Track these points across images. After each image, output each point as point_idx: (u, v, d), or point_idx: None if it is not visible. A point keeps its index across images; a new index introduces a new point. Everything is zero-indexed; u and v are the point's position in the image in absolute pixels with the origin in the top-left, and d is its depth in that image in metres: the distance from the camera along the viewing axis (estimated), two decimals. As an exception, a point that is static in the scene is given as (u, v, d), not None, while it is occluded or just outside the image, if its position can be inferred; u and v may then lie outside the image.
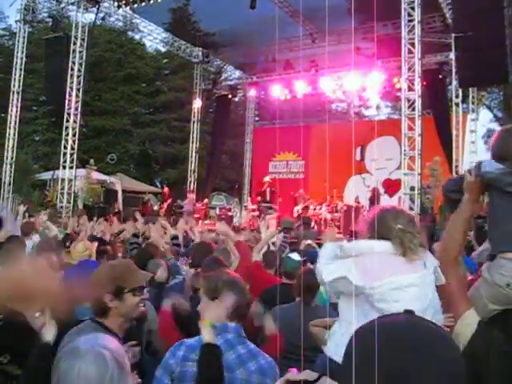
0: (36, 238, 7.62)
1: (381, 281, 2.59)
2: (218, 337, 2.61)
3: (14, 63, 20.35)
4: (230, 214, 21.06)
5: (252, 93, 26.11)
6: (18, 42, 20.43)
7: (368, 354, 0.99)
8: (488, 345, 2.30)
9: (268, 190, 20.20)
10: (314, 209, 18.86)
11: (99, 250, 5.97)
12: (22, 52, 20.34)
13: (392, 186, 20.20)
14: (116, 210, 19.99)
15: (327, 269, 2.82)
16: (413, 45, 13.65)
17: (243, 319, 2.85)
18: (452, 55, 16.65)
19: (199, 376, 2.39)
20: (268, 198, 19.86)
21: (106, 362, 1.78)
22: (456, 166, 17.56)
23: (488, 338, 2.37)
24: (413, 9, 13.52)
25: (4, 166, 19.73)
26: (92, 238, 6.90)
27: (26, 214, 10.71)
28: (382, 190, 19.77)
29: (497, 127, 33.99)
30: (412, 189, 13.73)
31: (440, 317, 2.70)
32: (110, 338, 2.01)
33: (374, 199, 16.88)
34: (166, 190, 23.65)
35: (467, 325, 2.38)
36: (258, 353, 2.69)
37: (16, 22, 21.07)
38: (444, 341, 1.06)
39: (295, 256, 5.56)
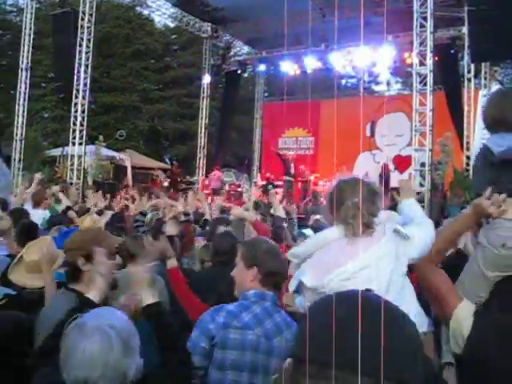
0: (45, 212, 7.63)
1: (330, 274, 2.40)
2: (255, 305, 2.65)
3: (22, 40, 20.23)
4: (239, 190, 21.05)
5: (261, 68, 25.89)
6: (26, 18, 20.28)
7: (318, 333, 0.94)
8: (491, 336, 2.17)
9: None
10: (324, 184, 18.85)
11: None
12: (30, 28, 20.20)
13: (402, 163, 20.09)
14: (125, 185, 20.03)
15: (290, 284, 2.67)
16: (425, 19, 13.45)
17: (280, 288, 2.87)
18: (465, 29, 16.41)
19: (157, 337, 2.35)
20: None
21: (111, 342, 1.78)
22: (467, 143, 17.38)
23: (490, 328, 2.23)
24: (425, -18, 13.31)
25: (14, 143, 19.76)
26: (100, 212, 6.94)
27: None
28: (392, 167, 19.66)
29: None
30: (422, 165, 13.63)
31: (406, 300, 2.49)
32: (118, 314, 1.99)
33: (383, 175, 16.83)
34: (174, 167, 23.56)
35: (463, 319, 2.28)
36: (291, 322, 2.72)
37: (23, -3, 20.95)
38: (398, 318, 1.01)
39: (308, 231, 5.54)
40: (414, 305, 2.51)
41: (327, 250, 2.53)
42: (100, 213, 7.25)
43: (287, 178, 18.32)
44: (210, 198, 18.04)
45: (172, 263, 3.74)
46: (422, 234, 2.64)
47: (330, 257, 2.49)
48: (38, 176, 9.23)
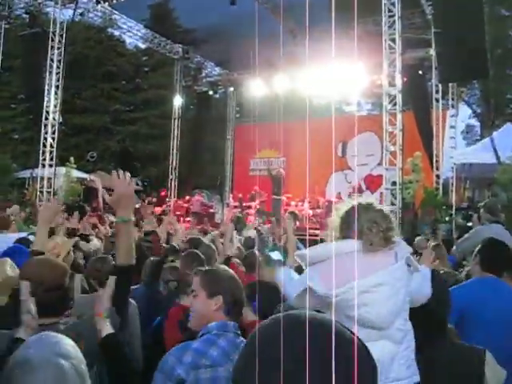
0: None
1: (344, 286, 2.44)
2: (220, 338, 2.50)
3: (-10, 60, 20.06)
4: (211, 211, 21.01)
5: (232, 89, 26.04)
6: (-5, 38, 20.14)
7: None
8: None
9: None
10: (296, 205, 18.92)
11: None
12: (-1, 49, 20.06)
13: (374, 182, 20.30)
14: (94, 206, 19.85)
15: (291, 285, 2.71)
16: (393, 40, 13.69)
17: (239, 316, 2.75)
18: (432, 51, 16.76)
19: (109, 370, 2.29)
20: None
21: (65, 375, 1.49)
22: (436, 161, 17.66)
23: None
24: (393, 4, 13.55)
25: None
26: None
27: None
28: (363, 186, 19.85)
29: (476, 123, 34.41)
30: (393, 184, 13.77)
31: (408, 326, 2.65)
32: (65, 340, 1.65)
33: (355, 195, 16.97)
34: (163, 193, 23.29)
35: None
36: None
37: (-9, 17, 20.77)
38: (346, 345, 0.94)
39: (275, 255, 5.46)
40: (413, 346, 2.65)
41: (341, 260, 2.50)
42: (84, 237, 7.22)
43: (275, 197, 18.08)
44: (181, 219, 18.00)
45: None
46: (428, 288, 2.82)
47: (346, 268, 2.48)
48: (17, 208, 9.13)
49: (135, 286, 5.01)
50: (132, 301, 4.35)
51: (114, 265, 2.40)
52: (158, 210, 20.87)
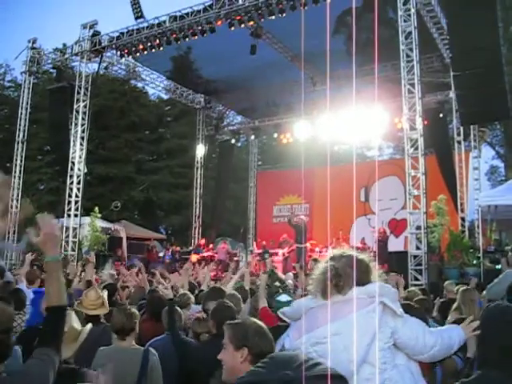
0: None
1: (301, 338, 2.49)
2: None
3: (19, 114, 20.64)
4: (235, 258, 20.93)
5: (254, 137, 26.31)
6: (23, 92, 20.77)
7: None
8: None
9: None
10: (320, 251, 18.76)
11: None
12: (27, 103, 20.66)
13: (398, 226, 20.13)
14: (120, 256, 19.93)
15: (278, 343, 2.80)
16: (413, 85, 13.75)
17: None
18: (452, 94, 16.81)
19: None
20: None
21: None
22: (461, 204, 17.48)
23: None
24: (411, 50, 13.66)
25: (9, 215, 19.71)
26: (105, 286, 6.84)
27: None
28: (388, 231, 19.67)
29: (499, 163, 34.15)
30: (418, 228, 13.60)
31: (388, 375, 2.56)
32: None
33: (381, 240, 16.82)
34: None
35: None
36: None
37: (21, 73, 21.50)
38: None
39: (283, 297, 5.46)
40: None
41: (311, 313, 2.61)
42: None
43: (298, 245, 17.91)
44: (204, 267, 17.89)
45: None
46: (430, 335, 2.77)
47: (307, 321, 2.57)
48: (28, 257, 9.16)
49: (159, 337, 4.96)
50: (154, 352, 4.33)
51: (46, 306, 2.42)
52: (195, 258, 20.92)
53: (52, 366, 2.27)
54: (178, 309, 5.21)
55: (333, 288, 2.63)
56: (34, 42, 20.60)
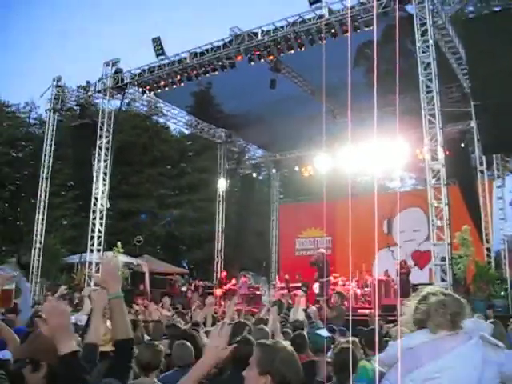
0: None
1: (411, 374, 2.45)
2: None
3: (44, 150, 21.01)
4: (258, 292, 20.79)
5: (275, 170, 26.39)
6: (48, 129, 21.17)
7: None
8: None
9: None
10: (344, 284, 18.55)
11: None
12: (51, 139, 21.04)
13: (422, 258, 19.88)
14: (143, 291, 19.90)
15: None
16: (433, 115, 13.72)
17: None
18: (473, 123, 16.74)
19: None
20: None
21: None
22: (486, 234, 17.24)
23: None
24: (430, 80, 13.68)
25: (32, 250, 19.94)
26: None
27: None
28: (411, 263, 19.41)
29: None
30: (443, 259, 13.40)
31: None
32: None
33: (402, 273, 16.58)
34: (223, 274, 23.23)
35: None
36: None
37: (46, 110, 21.95)
38: None
39: (323, 332, 5.36)
40: None
41: (412, 352, 2.54)
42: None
43: (321, 279, 17.65)
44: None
45: None
46: None
47: (413, 357, 2.50)
48: (62, 288, 9.25)
49: (170, 371, 4.90)
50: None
51: (115, 340, 2.47)
52: (219, 291, 20.93)
53: None
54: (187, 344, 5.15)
55: (448, 323, 2.60)
56: (58, 80, 21.06)
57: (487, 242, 17.28)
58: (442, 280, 13.15)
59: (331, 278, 18.19)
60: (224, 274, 22.99)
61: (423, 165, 15.47)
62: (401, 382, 2.46)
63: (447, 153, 14.77)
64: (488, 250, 17.21)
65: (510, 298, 13.54)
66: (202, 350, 5.18)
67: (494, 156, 18.54)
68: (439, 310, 2.62)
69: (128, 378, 2.56)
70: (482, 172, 18.02)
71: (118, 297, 2.69)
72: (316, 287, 18.08)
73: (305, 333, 6.18)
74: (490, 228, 17.50)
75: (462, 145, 18.40)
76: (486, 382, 2.45)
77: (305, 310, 11.06)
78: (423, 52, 13.80)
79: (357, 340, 5.13)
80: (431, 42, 13.73)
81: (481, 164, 18.05)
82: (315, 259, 18.14)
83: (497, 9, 19.05)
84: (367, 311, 13.97)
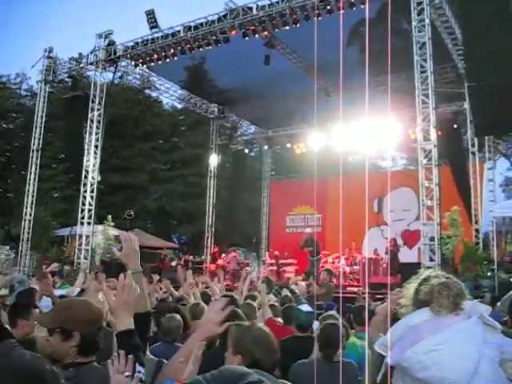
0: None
1: (413, 347, 2.52)
2: None
3: (35, 122, 20.85)
4: (247, 268, 20.90)
5: (267, 147, 26.34)
6: (39, 101, 20.98)
7: None
8: None
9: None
10: (333, 262, 18.68)
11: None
12: (43, 111, 20.86)
13: (411, 237, 20.02)
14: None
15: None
16: (426, 96, 13.71)
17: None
18: (466, 104, 16.74)
19: None
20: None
21: None
22: (475, 216, 17.35)
23: None
24: (425, 60, 13.64)
25: (23, 222, 19.91)
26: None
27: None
28: (401, 242, 19.54)
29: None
30: (432, 239, 13.50)
31: None
32: None
33: (391, 251, 16.69)
34: (215, 249, 23.32)
35: None
36: None
37: (37, 82, 21.76)
38: None
39: (305, 307, 5.41)
40: None
41: (414, 330, 2.62)
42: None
43: (312, 258, 17.75)
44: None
45: None
46: None
47: (415, 333, 2.58)
48: (54, 266, 9.23)
49: (155, 344, 4.93)
50: (165, 361, 4.31)
51: (134, 314, 2.50)
52: (212, 266, 21.17)
53: None
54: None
55: (451, 305, 2.66)
56: (50, 52, 20.82)
57: (476, 223, 17.40)
58: (431, 260, 13.27)
59: (321, 255, 18.31)
60: (216, 249, 23.10)
61: (415, 145, 15.50)
62: (403, 355, 2.53)
63: (439, 133, 14.79)
64: (477, 231, 17.34)
65: (497, 278, 13.68)
66: (188, 324, 5.25)
67: (486, 138, 18.60)
68: (442, 292, 2.68)
69: (143, 351, 2.59)
70: (473, 154, 18.06)
71: (137, 271, 2.82)
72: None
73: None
74: (480, 209, 17.62)
75: (455, 126, 18.41)
76: (486, 358, 2.49)
77: (287, 287, 11.17)
78: (419, 31, 13.74)
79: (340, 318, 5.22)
80: (427, 21, 13.67)
81: (472, 146, 18.08)
82: (304, 241, 18.24)
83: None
84: (356, 289, 14.08)
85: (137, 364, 2.25)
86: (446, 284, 2.70)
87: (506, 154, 31.85)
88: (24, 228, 19.81)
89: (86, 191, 18.77)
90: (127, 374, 2.14)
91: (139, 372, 2.27)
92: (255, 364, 2.55)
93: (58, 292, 7.16)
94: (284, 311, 5.95)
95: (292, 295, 8.00)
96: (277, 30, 16.16)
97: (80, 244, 18.38)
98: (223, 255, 22.31)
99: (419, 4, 13.76)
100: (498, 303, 7.12)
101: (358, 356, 4.63)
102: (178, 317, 5.16)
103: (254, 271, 21.44)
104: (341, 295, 11.64)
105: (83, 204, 18.73)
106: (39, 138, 20.67)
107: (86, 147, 18.99)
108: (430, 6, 13.97)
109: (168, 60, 18.25)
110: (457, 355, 2.45)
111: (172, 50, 17.89)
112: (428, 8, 13.72)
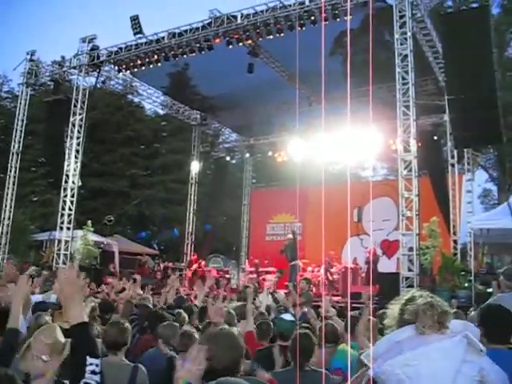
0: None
1: (391, 360, 2.55)
2: None
3: (15, 125, 20.69)
4: (227, 276, 20.89)
5: (249, 155, 26.38)
6: (20, 104, 20.82)
7: None
8: None
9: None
10: (312, 271, 18.73)
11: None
12: (24, 114, 20.71)
13: (390, 247, 20.14)
14: (112, 271, 19.83)
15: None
16: (407, 107, 13.86)
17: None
18: (446, 117, 16.95)
19: None
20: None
21: None
22: (454, 227, 17.55)
23: None
24: (406, 72, 13.80)
25: (1, 226, 19.70)
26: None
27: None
28: (380, 251, 19.66)
29: (492, 187, 34.30)
30: (410, 249, 13.62)
31: None
32: None
33: (370, 261, 16.79)
34: (194, 257, 23.20)
35: None
36: None
37: (19, 85, 21.65)
38: None
39: (287, 316, 5.44)
40: None
41: (398, 344, 2.64)
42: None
43: (292, 262, 17.87)
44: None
45: None
46: None
47: (398, 348, 2.61)
48: (31, 269, 9.17)
49: (151, 349, 5.03)
50: (143, 369, 4.35)
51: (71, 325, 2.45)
52: (189, 273, 21.14)
53: None
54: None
55: (436, 324, 2.66)
56: (32, 54, 20.71)
57: (454, 234, 17.59)
58: (409, 270, 13.38)
59: (299, 261, 18.33)
60: (194, 256, 23.03)
61: (395, 155, 15.64)
62: (380, 367, 2.56)
63: (419, 145, 14.94)
64: (455, 242, 17.53)
65: (474, 289, 13.82)
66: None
67: (465, 150, 18.82)
68: (427, 312, 2.68)
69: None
70: (452, 165, 18.30)
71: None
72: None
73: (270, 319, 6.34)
74: (458, 220, 17.81)
75: (435, 137, 18.63)
76: (463, 376, 2.50)
77: (272, 294, 11.18)
78: (401, 44, 13.91)
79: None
80: (409, 34, 13.84)
81: (452, 157, 18.32)
82: (285, 245, 18.32)
83: (474, 5, 19.23)
84: (335, 298, 14.13)
85: (87, 357, 2.27)
86: (431, 303, 2.71)
87: (484, 166, 32.23)
88: (2, 232, 19.62)
89: (66, 196, 18.62)
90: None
91: (91, 364, 2.28)
92: (224, 370, 2.58)
93: (36, 297, 7.15)
94: (260, 326, 5.82)
95: (275, 304, 8.03)
96: (261, 38, 16.25)
97: (59, 249, 18.22)
98: (203, 262, 22.21)
99: (401, 17, 13.93)
100: (473, 312, 7.24)
101: (346, 362, 4.69)
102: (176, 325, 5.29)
103: (234, 278, 21.44)
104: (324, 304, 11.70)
105: (63, 208, 18.58)
106: (19, 141, 20.51)
107: (67, 151, 18.87)
108: (412, 19, 14.16)
109: (151, 66, 18.26)
110: (432, 371, 2.48)
111: (156, 57, 17.89)
112: (410, 21, 13.89)
